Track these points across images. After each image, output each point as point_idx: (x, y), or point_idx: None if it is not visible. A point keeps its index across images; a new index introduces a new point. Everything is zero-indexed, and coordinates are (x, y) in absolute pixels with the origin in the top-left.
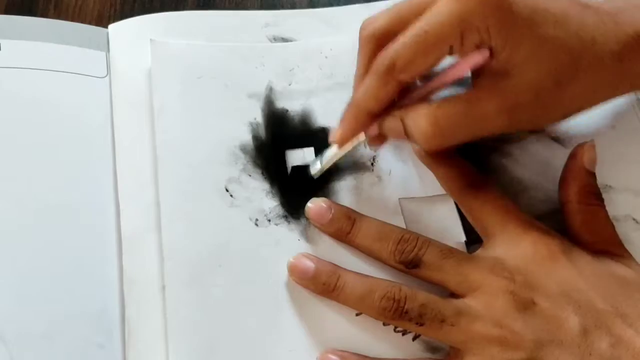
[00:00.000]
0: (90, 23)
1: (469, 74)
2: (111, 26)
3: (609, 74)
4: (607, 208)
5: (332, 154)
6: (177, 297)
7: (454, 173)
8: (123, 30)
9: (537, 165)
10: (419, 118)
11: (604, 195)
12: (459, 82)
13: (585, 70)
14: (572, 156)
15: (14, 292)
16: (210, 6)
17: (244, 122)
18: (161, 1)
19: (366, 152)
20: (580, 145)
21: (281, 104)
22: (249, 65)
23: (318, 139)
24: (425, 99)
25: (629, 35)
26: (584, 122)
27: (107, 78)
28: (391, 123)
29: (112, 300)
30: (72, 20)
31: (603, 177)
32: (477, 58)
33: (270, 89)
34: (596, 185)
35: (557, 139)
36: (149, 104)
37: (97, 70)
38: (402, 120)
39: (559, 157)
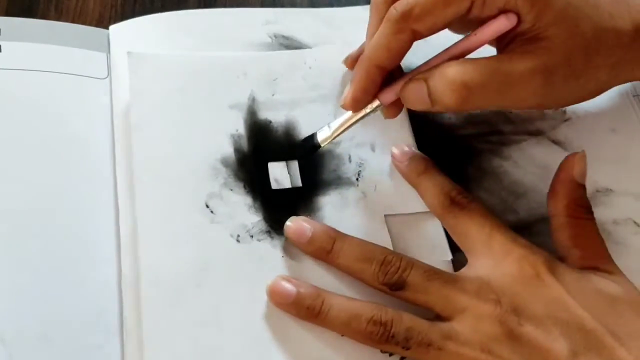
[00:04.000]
0: (90, 24)
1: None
2: (112, 27)
3: (627, 52)
4: (608, 211)
5: (345, 118)
6: (155, 320)
7: (436, 190)
8: (124, 31)
9: (537, 168)
10: (446, 77)
11: (604, 199)
12: None
13: (606, 43)
14: (562, 167)
15: (13, 293)
16: (212, 6)
17: (225, 134)
18: (162, 1)
19: (351, 166)
20: (572, 156)
21: (264, 114)
22: (230, 75)
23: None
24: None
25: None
26: (584, 124)
27: (107, 79)
28: (413, 87)
29: (110, 301)
30: (73, 21)
31: (603, 180)
32: (504, 23)
33: (253, 99)
34: (586, 198)
35: (557, 142)
36: None
37: (98, 72)
38: (426, 82)
39: (558, 160)
